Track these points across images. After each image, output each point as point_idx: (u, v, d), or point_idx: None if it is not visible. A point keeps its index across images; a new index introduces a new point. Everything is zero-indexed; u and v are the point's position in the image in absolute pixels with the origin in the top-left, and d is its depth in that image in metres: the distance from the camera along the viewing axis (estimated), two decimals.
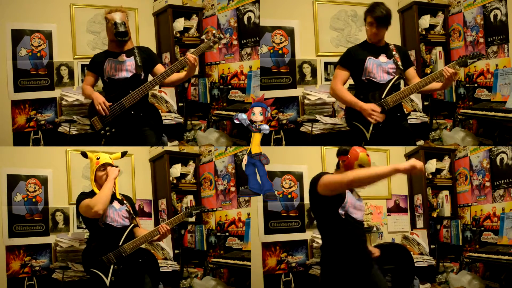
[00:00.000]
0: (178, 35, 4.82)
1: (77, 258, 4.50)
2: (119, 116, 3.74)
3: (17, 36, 4.49)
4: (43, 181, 4.47)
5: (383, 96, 3.53)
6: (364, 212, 3.26)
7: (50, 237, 4.45)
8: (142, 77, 3.78)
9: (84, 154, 3.69)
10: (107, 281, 3.42)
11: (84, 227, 4.57)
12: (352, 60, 3.63)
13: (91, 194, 3.62)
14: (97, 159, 3.62)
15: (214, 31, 3.78)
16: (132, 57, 3.77)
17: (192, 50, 3.71)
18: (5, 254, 4.30)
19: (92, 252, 3.60)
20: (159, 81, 3.72)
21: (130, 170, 4.79)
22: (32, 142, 4.53)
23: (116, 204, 3.67)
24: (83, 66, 4.59)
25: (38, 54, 4.54)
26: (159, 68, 3.83)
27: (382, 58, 3.60)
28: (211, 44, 3.71)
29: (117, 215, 3.63)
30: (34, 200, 4.42)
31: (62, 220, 4.51)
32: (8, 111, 4.50)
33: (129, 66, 3.75)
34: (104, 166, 3.63)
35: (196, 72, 4.07)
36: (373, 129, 3.55)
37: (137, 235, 3.63)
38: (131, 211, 3.72)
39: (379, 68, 3.57)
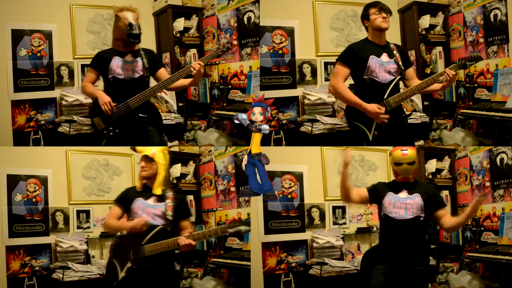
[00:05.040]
0: (178, 35, 4.82)
1: (76, 258, 4.51)
2: (123, 116, 3.60)
3: (17, 36, 4.49)
4: (43, 181, 4.47)
5: (385, 97, 3.48)
6: (414, 208, 3.22)
7: (50, 237, 4.46)
8: (147, 79, 3.66)
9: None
10: (120, 275, 3.35)
11: (84, 227, 4.60)
12: (355, 57, 3.50)
13: (133, 189, 3.43)
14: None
15: (222, 40, 3.72)
16: (139, 58, 3.63)
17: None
18: (5, 254, 4.31)
19: (119, 242, 3.39)
20: (167, 85, 3.62)
21: (130, 170, 4.79)
22: (32, 142, 4.52)
23: (152, 201, 3.33)
24: (83, 66, 4.59)
25: (38, 54, 4.54)
26: (162, 72, 3.72)
27: (384, 57, 3.51)
28: (220, 53, 3.64)
29: (148, 212, 3.29)
30: (34, 200, 4.42)
31: (62, 220, 4.51)
32: (8, 111, 4.50)
33: (136, 66, 3.61)
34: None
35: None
36: (375, 130, 3.49)
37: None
38: (169, 213, 3.30)
39: (381, 67, 3.49)
